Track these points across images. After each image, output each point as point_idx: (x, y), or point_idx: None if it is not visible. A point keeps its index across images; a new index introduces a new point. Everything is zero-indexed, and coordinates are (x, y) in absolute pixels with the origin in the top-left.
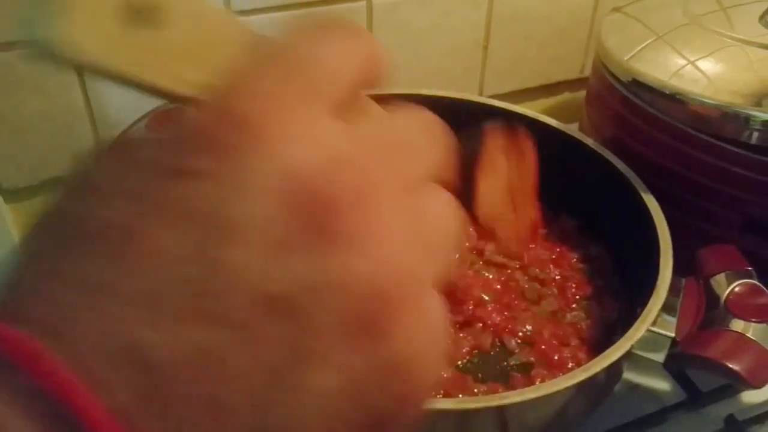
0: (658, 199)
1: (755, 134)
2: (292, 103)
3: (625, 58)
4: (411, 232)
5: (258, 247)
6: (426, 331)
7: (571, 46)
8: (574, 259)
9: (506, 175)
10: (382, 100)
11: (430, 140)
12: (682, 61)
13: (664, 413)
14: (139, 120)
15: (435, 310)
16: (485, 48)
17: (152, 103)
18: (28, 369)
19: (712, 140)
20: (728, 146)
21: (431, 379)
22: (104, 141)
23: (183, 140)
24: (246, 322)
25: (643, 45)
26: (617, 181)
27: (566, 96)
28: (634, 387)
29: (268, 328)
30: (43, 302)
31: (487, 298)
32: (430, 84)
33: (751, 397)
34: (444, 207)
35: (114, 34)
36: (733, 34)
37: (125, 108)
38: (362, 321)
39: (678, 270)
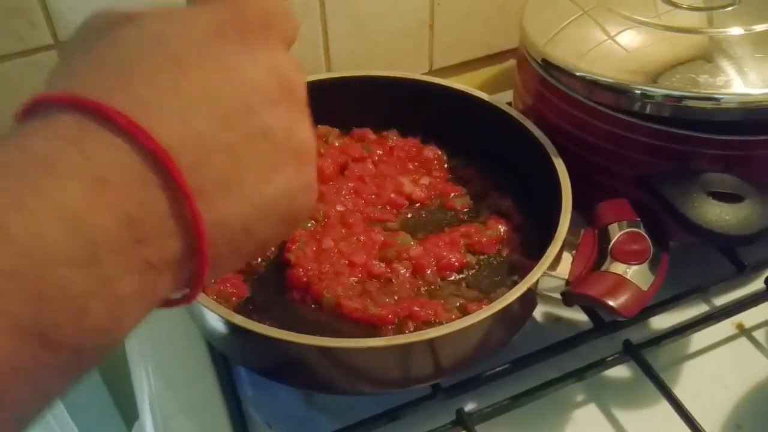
0: (568, 161)
1: (648, 106)
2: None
3: (543, 42)
4: None
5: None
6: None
7: (509, 18)
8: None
9: None
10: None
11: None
12: (592, 43)
13: (576, 339)
14: None
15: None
16: (431, 27)
17: None
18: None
19: (609, 111)
20: (622, 116)
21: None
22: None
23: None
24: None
25: (562, 26)
26: (535, 146)
27: (511, 63)
28: (558, 318)
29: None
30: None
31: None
32: (384, 63)
33: (644, 325)
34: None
35: None
36: (635, 17)
37: None
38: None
39: (584, 221)
